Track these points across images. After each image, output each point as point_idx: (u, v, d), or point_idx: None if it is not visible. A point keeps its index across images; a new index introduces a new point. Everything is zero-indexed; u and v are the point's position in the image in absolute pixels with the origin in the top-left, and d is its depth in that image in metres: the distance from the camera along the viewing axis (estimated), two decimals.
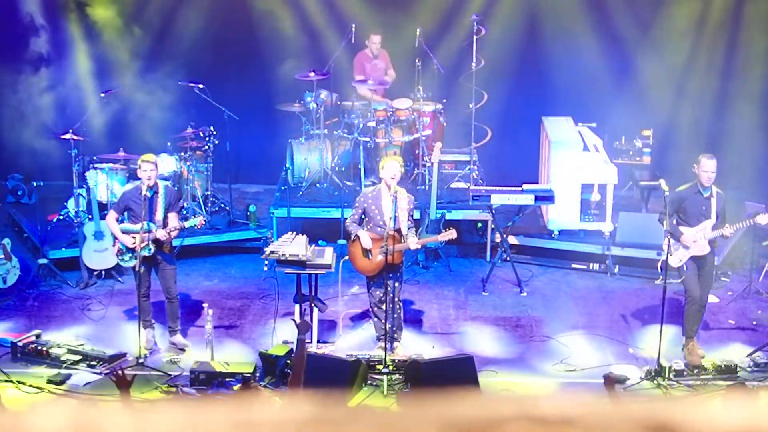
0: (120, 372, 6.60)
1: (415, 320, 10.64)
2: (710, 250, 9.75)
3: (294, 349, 7.75)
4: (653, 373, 9.31)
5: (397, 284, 9.65)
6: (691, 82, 13.81)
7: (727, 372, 9.35)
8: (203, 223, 10.02)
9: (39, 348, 9.61)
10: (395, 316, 9.66)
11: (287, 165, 13.30)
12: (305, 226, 11.78)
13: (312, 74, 12.83)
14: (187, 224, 9.78)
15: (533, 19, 14.10)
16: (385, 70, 13.58)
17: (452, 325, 10.65)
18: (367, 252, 9.55)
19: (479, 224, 12.73)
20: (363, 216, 9.61)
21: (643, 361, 9.69)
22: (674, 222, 9.64)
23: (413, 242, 9.53)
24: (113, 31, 13.63)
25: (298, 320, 7.85)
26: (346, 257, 9.86)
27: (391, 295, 9.51)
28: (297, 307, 9.73)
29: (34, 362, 9.55)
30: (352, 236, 9.62)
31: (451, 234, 9.66)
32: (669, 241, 9.51)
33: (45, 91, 13.65)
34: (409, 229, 9.57)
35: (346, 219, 10.13)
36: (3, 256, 11.02)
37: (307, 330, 7.49)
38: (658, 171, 12.59)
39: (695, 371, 9.35)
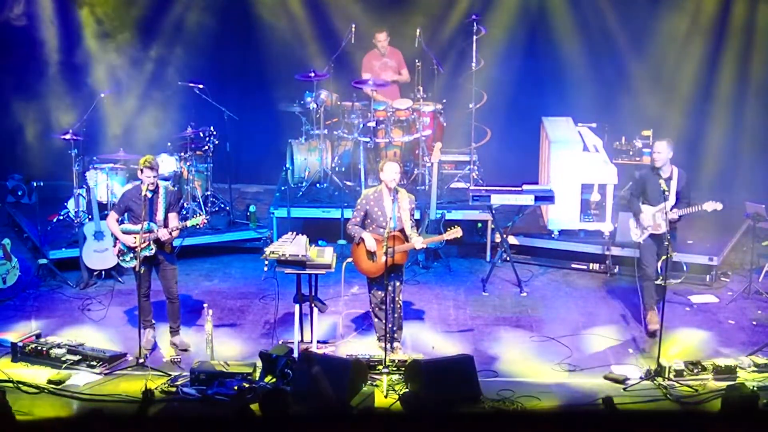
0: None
1: (415, 320, 10.64)
2: (667, 229, 9.94)
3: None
4: (653, 373, 9.30)
5: (398, 284, 9.66)
6: (691, 83, 13.80)
7: (727, 372, 9.34)
8: (205, 222, 10.02)
9: (39, 348, 9.60)
10: (395, 315, 9.67)
11: (287, 165, 13.31)
12: (305, 226, 11.78)
13: (312, 74, 12.84)
14: (189, 223, 9.78)
15: (533, 20, 14.10)
16: (396, 69, 13.53)
17: (452, 325, 10.65)
18: (371, 254, 9.54)
19: (479, 224, 12.73)
20: (365, 218, 9.61)
21: (643, 361, 9.69)
22: (640, 202, 10.20)
23: (418, 242, 9.52)
24: (114, 32, 13.63)
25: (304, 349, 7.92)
26: (350, 259, 9.85)
27: (392, 295, 9.52)
28: (297, 307, 9.73)
29: (34, 362, 9.55)
30: (356, 239, 9.61)
31: (456, 233, 9.64)
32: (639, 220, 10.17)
33: (45, 91, 13.65)
34: (411, 228, 9.57)
35: (347, 220, 10.11)
36: (3, 257, 11.02)
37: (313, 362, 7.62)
38: None
39: (694, 371, 9.35)
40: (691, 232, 12.07)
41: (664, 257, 9.63)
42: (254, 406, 8.07)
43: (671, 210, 9.99)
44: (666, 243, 9.55)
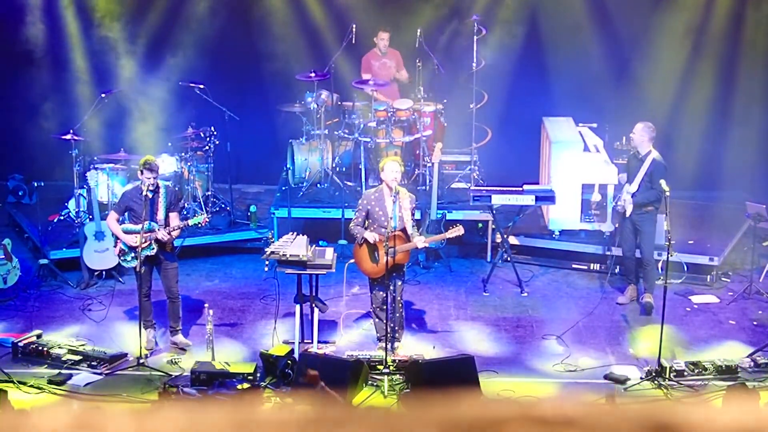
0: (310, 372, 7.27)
1: (416, 320, 10.64)
2: (630, 211, 10.63)
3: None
4: (654, 374, 9.31)
5: (399, 283, 9.65)
6: (691, 83, 13.80)
7: (728, 372, 9.35)
8: (207, 220, 10.04)
9: (40, 348, 9.61)
10: (397, 315, 9.66)
11: (288, 165, 13.30)
12: (306, 226, 11.78)
13: (313, 75, 12.83)
14: (191, 222, 9.80)
15: (534, 20, 14.10)
16: (396, 69, 13.54)
17: (453, 325, 10.65)
18: (374, 254, 9.53)
19: (480, 225, 12.72)
20: (366, 218, 9.60)
21: (643, 362, 9.69)
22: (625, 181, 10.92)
23: (420, 241, 9.52)
24: (114, 31, 13.64)
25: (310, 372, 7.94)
26: (352, 260, 9.85)
27: (393, 295, 9.52)
28: (297, 307, 9.73)
29: (34, 362, 9.55)
30: (359, 239, 9.59)
31: (458, 231, 9.64)
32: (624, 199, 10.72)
33: (46, 91, 13.66)
34: (412, 227, 9.57)
35: (348, 220, 10.11)
36: (4, 257, 11.02)
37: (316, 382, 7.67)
38: None
39: (695, 371, 9.36)
40: (691, 233, 12.08)
41: (663, 257, 9.64)
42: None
43: (631, 196, 10.55)
44: (667, 243, 9.56)
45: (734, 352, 9.89)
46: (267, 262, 10.00)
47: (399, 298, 9.69)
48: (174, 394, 8.73)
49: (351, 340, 10.18)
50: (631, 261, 10.99)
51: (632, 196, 10.58)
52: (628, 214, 10.70)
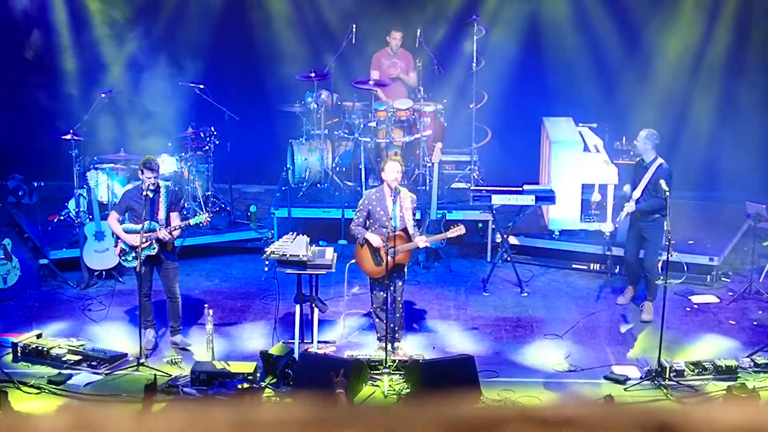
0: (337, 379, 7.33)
1: (416, 320, 10.64)
2: (622, 219, 10.71)
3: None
4: (654, 374, 9.31)
5: (400, 284, 9.65)
6: (692, 83, 13.80)
7: (728, 372, 9.34)
8: (209, 220, 10.04)
9: (40, 348, 9.60)
10: (397, 315, 9.66)
11: (288, 165, 13.30)
12: (306, 226, 11.78)
13: (313, 75, 12.83)
14: (192, 221, 9.80)
15: (534, 19, 14.10)
16: (405, 71, 13.52)
17: (453, 325, 10.65)
18: (375, 254, 9.52)
19: (480, 225, 12.72)
20: (367, 218, 9.60)
21: (643, 361, 9.69)
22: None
23: (421, 240, 9.52)
24: (115, 31, 13.64)
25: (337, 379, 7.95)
26: (352, 260, 9.84)
27: (394, 295, 9.51)
28: (297, 307, 9.73)
29: (34, 362, 9.55)
30: (360, 240, 9.58)
31: (460, 230, 9.64)
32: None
33: (46, 92, 13.65)
34: (413, 227, 9.57)
35: (348, 220, 10.11)
36: (4, 257, 11.02)
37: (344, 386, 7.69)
38: None
39: (695, 371, 9.35)
40: (691, 233, 12.08)
41: (662, 257, 9.64)
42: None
43: (635, 202, 10.46)
44: (667, 243, 9.56)
45: (734, 352, 9.89)
46: (267, 262, 9.99)
47: (399, 299, 9.69)
48: (160, 389, 8.74)
49: (351, 340, 10.18)
50: (632, 265, 10.96)
51: (636, 203, 10.51)
52: (619, 220, 10.65)
